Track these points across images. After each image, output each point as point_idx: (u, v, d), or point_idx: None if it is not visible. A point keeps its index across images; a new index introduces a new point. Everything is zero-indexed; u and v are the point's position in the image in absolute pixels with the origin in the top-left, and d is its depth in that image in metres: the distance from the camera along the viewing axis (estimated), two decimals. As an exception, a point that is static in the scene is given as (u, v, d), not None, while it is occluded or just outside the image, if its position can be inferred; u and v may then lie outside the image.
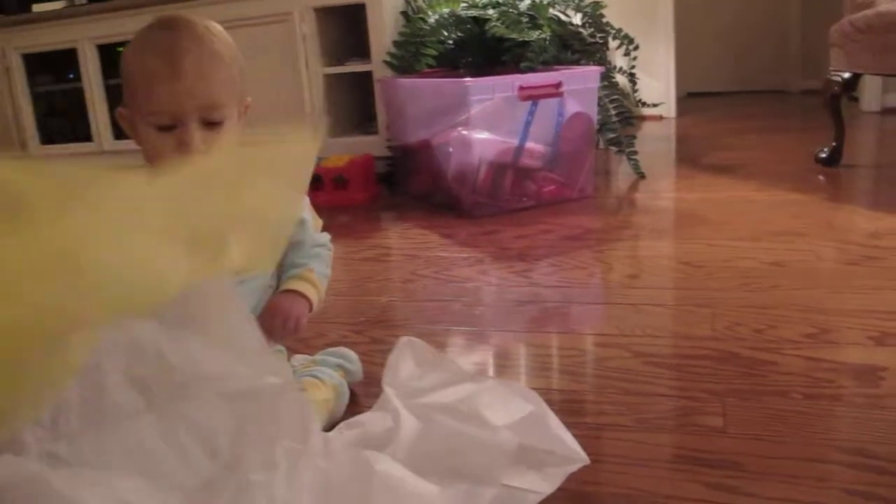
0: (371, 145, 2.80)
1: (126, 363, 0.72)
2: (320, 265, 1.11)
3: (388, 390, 0.93)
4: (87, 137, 3.39)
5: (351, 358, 1.19)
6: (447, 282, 1.67)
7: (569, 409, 1.06)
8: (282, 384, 0.78)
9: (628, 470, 0.92)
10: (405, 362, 0.96)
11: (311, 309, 1.07)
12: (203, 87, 0.95)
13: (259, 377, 0.77)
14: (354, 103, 2.99)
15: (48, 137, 3.55)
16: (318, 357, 1.18)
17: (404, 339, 0.99)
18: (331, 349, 1.21)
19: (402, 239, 2.07)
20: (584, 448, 0.92)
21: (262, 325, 1.01)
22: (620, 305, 1.46)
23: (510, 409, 0.89)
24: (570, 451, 0.90)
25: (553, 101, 2.24)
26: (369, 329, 1.43)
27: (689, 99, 4.93)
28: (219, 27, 1.03)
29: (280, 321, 1.03)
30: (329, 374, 1.11)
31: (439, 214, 2.27)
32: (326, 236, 1.15)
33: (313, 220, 1.12)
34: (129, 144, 2.91)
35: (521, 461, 0.87)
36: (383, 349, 1.32)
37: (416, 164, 2.53)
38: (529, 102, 2.20)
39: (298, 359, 1.21)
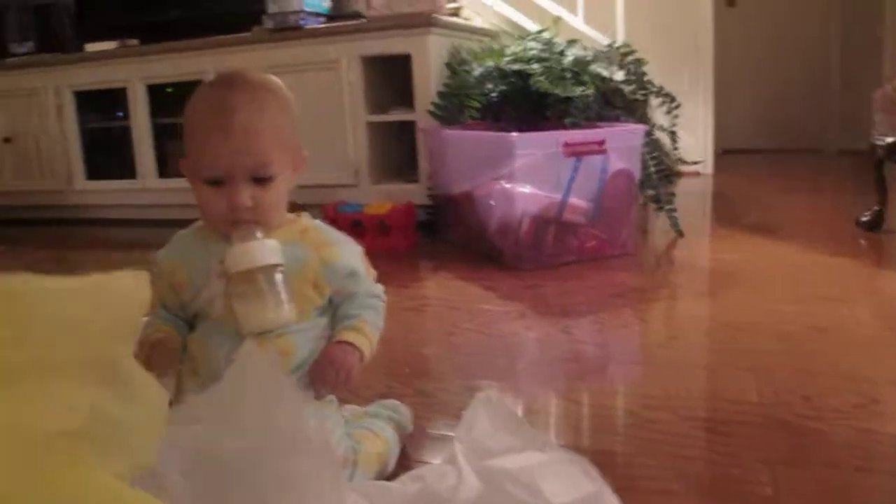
0: (412, 193, 2.83)
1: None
2: (373, 316, 1.10)
3: (458, 446, 0.94)
4: (132, 175, 3.46)
5: (402, 411, 1.20)
6: (490, 336, 1.68)
7: (619, 472, 1.06)
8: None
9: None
10: (480, 419, 0.97)
11: (362, 359, 1.07)
12: (252, 146, 0.98)
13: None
14: (397, 151, 3.03)
15: (94, 173, 3.62)
16: (370, 409, 1.19)
17: (482, 395, 1.00)
18: (382, 401, 1.22)
19: (443, 289, 2.09)
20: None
21: (315, 374, 1.03)
22: (664, 366, 1.46)
23: (571, 485, 0.89)
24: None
25: (597, 158, 2.26)
26: (413, 381, 1.44)
27: (725, 156, 4.95)
28: (277, 82, 1.06)
29: (332, 372, 1.03)
30: (381, 426, 1.12)
31: (480, 265, 2.29)
32: (380, 287, 1.15)
33: (366, 271, 1.12)
34: (171, 183, 2.98)
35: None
36: (428, 402, 1.33)
37: (458, 213, 2.56)
38: (574, 158, 2.22)
39: (349, 409, 1.22)
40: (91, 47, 3.58)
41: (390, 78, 2.98)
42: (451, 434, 1.20)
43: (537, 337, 1.66)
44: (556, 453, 0.97)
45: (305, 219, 1.10)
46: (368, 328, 1.08)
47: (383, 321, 1.13)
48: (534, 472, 0.91)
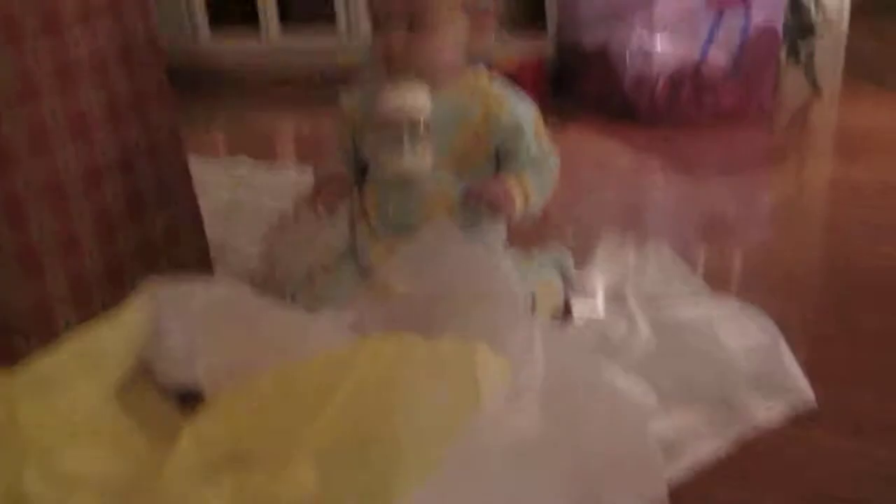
0: (539, 47, 2.79)
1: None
2: (534, 175, 1.07)
3: (630, 294, 0.98)
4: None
5: (567, 261, 1.23)
6: (630, 189, 1.70)
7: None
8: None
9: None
10: (650, 269, 1.00)
11: (513, 203, 1.03)
12: None
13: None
14: (523, 4, 2.97)
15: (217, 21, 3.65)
16: (537, 257, 1.23)
17: (651, 245, 1.03)
18: (546, 249, 1.26)
19: (578, 143, 2.09)
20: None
21: (468, 191, 1.03)
22: (817, 226, 1.47)
23: (746, 335, 0.93)
24: (798, 388, 0.92)
25: (739, 12, 2.17)
26: (567, 231, 1.47)
27: (861, 10, 4.64)
28: None
29: (484, 189, 1.02)
30: (552, 275, 1.17)
31: (613, 121, 2.27)
32: (553, 157, 1.11)
33: (537, 133, 1.08)
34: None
35: (750, 387, 0.91)
36: (581, 252, 1.37)
37: (590, 67, 2.52)
38: (715, 12, 2.14)
39: (514, 255, 1.26)
40: None
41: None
42: (608, 286, 1.25)
43: (678, 194, 1.68)
44: (730, 304, 1.00)
45: (480, 73, 1.08)
46: (527, 181, 1.06)
47: (548, 187, 1.10)
48: (710, 321, 0.95)
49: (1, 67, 0.91)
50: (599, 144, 2.08)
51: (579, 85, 2.63)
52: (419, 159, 1.00)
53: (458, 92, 1.04)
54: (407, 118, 0.98)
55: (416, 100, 0.98)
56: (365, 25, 3.05)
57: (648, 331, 0.95)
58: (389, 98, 0.98)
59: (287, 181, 1.85)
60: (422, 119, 0.98)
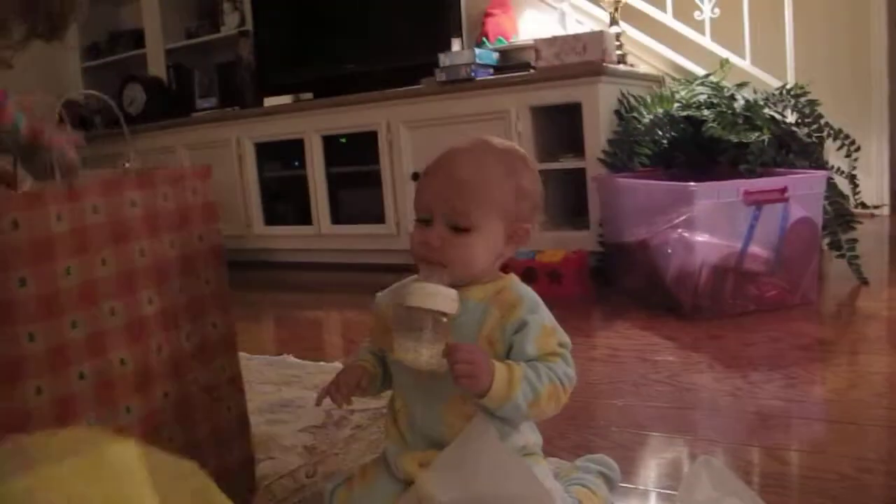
0: (582, 240, 2.86)
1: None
2: (531, 373, 1.00)
3: None
4: (307, 221, 3.65)
5: (612, 466, 1.21)
6: (679, 387, 1.68)
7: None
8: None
9: None
10: (701, 483, 0.97)
11: (490, 379, 0.97)
12: (453, 192, 1.02)
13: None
14: (566, 199, 3.07)
15: (271, 219, 3.85)
16: (580, 463, 1.21)
17: (702, 458, 0.99)
18: (590, 455, 1.24)
19: (624, 339, 2.09)
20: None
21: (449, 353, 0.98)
22: (873, 427, 1.42)
23: None
24: None
25: (778, 206, 2.22)
26: (612, 434, 1.45)
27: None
28: (517, 151, 1.09)
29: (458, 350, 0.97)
30: (596, 483, 1.14)
31: (658, 315, 2.28)
32: (562, 369, 1.03)
33: (542, 336, 1.03)
34: (344, 229, 3.14)
35: None
36: (628, 455, 1.35)
37: (632, 261, 2.56)
38: (753, 207, 2.19)
39: (556, 462, 1.25)
40: (269, 101, 3.82)
41: (559, 125, 3.04)
42: (664, 492, 1.22)
43: (727, 390, 1.65)
44: None
45: (509, 279, 1.09)
46: (517, 368, 1.00)
47: (543, 391, 1.00)
48: None
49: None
50: (644, 339, 2.07)
51: (623, 280, 2.67)
52: (437, 356, 0.98)
53: (484, 296, 1.05)
54: (432, 313, 0.98)
55: (445, 298, 0.98)
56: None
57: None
58: (419, 290, 0.99)
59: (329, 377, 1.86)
60: (446, 317, 0.98)
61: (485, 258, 1.05)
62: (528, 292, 1.08)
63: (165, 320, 1.12)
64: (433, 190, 1.04)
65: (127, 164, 1.42)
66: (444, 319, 0.98)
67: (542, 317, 1.05)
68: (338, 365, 2.00)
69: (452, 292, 0.99)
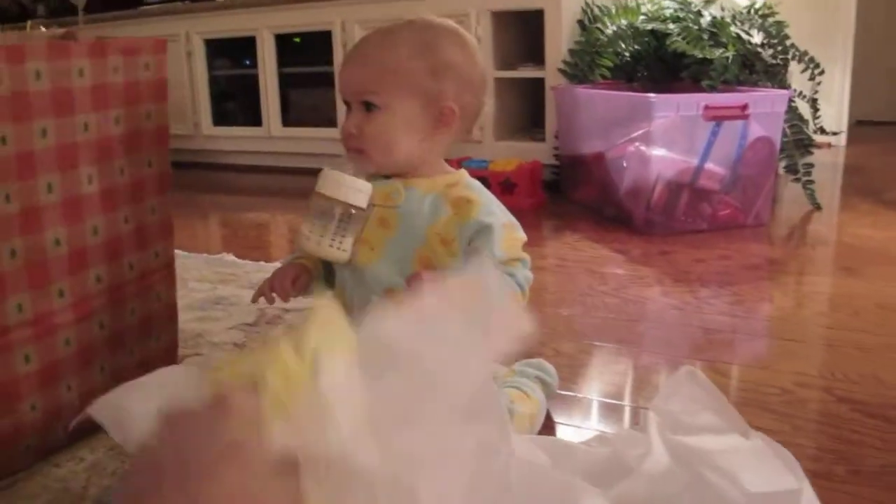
0: (537, 151, 2.79)
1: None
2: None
3: (652, 417, 0.90)
4: (257, 122, 3.53)
5: (549, 371, 1.18)
6: (626, 300, 1.65)
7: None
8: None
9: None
10: (680, 393, 0.93)
11: None
12: (362, 71, 1.00)
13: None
14: (523, 108, 2.99)
15: (220, 119, 3.71)
16: (517, 367, 1.17)
17: (686, 368, 0.95)
18: (528, 360, 1.20)
19: (574, 251, 2.05)
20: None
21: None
22: (814, 345, 1.40)
23: (770, 477, 0.84)
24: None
25: (737, 123, 2.17)
26: (553, 341, 1.42)
27: (858, 127, 4.70)
28: (446, 29, 1.03)
29: (416, 279, 0.94)
30: (531, 387, 1.11)
31: (609, 228, 2.24)
32: (523, 273, 1.02)
33: (508, 240, 1.00)
34: (295, 132, 3.04)
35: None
36: (568, 363, 1.32)
37: (586, 174, 2.51)
38: (713, 123, 2.14)
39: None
40: (221, -6, 3.64)
41: (520, 32, 2.93)
42: (605, 401, 1.19)
43: (674, 305, 1.62)
44: (760, 441, 0.91)
45: (459, 175, 1.05)
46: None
47: (510, 295, 0.97)
48: (731, 457, 0.85)
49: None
50: (594, 251, 2.03)
51: (576, 192, 2.62)
52: (336, 247, 0.99)
53: (432, 190, 1.01)
54: (341, 204, 0.97)
55: (355, 189, 0.97)
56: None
57: (667, 458, 0.87)
58: (332, 178, 0.97)
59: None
60: (355, 209, 0.97)
61: (406, 141, 1.01)
62: (481, 190, 1.04)
63: (104, 201, 1.05)
64: (344, 72, 1.02)
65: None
66: (353, 212, 0.97)
67: (503, 218, 1.02)
68: (275, 265, 1.93)
69: (365, 185, 0.97)
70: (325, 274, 1.09)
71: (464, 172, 1.06)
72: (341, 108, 3.16)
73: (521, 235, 1.04)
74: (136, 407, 0.77)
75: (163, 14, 3.76)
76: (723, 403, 0.90)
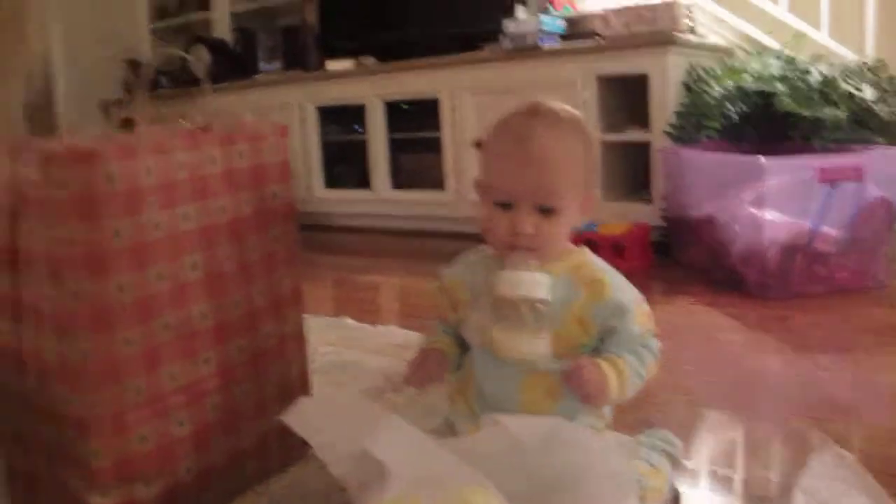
0: (645, 213, 2.81)
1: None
2: (633, 361, 1.03)
3: (800, 497, 0.91)
4: (367, 185, 3.66)
5: (675, 443, 1.18)
6: (745, 369, 1.64)
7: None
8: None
9: None
10: (826, 473, 0.93)
11: (606, 390, 1.00)
12: (542, 175, 1.00)
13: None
14: (629, 170, 3.01)
15: (332, 182, 3.86)
16: (642, 439, 1.19)
17: (831, 447, 0.95)
18: (652, 430, 1.21)
19: (688, 316, 2.06)
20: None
21: (566, 377, 1.00)
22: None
23: None
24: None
25: (852, 185, 2.14)
26: (674, 411, 1.43)
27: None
28: (578, 117, 1.07)
29: (577, 373, 0.99)
30: (659, 460, 1.12)
31: (722, 292, 2.23)
32: (654, 341, 1.08)
33: (640, 316, 1.05)
34: (404, 195, 3.12)
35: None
36: (690, 434, 1.32)
37: (695, 236, 2.51)
38: (827, 184, 2.12)
39: (616, 436, 1.22)
40: (332, 65, 3.81)
41: (625, 95, 2.97)
42: (725, 472, 1.19)
43: (794, 373, 1.61)
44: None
45: (583, 254, 1.09)
46: (624, 366, 1.02)
47: (647, 373, 1.05)
48: None
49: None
50: (708, 317, 2.03)
51: (686, 254, 2.62)
52: (539, 343, 1.00)
53: (564, 273, 1.04)
54: (530, 301, 0.98)
55: (540, 284, 0.98)
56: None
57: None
58: (513, 278, 0.99)
59: (390, 341, 1.89)
60: (543, 303, 0.99)
61: (567, 235, 1.06)
62: (607, 267, 1.08)
63: (241, 276, 1.14)
64: (515, 174, 1.01)
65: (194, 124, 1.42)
66: (541, 307, 0.98)
67: (632, 294, 1.06)
68: (393, 329, 2.01)
69: (546, 278, 0.99)
70: (459, 355, 1.14)
71: (586, 250, 1.10)
72: (449, 172, 3.27)
73: (648, 308, 1.08)
74: (326, 418, 0.90)
75: (277, 83, 3.96)
76: (870, 485, 0.90)
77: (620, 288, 1.05)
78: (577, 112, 1.08)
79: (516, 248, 1.02)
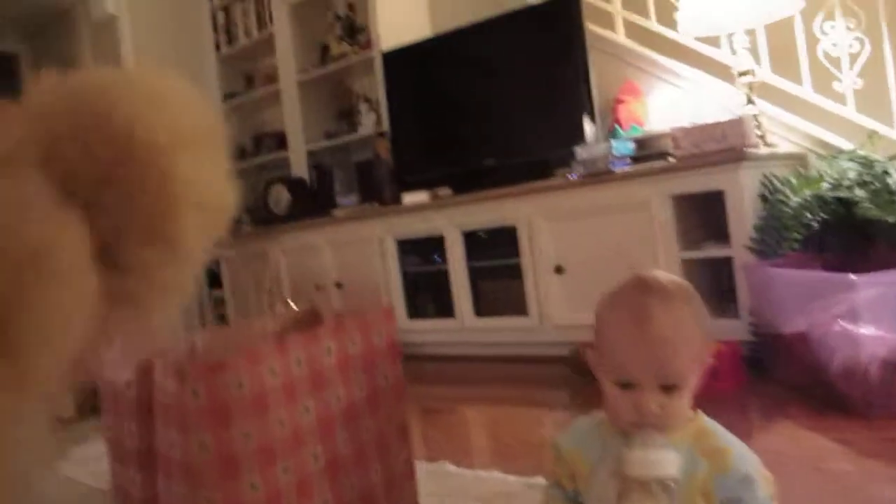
0: (732, 329, 2.78)
1: None
2: None
3: None
4: (450, 314, 3.71)
5: None
6: (859, 501, 1.59)
7: None
8: None
9: None
10: None
11: None
12: (665, 357, 1.01)
13: None
14: (711, 286, 3.00)
15: (414, 312, 3.93)
16: None
17: None
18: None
19: (791, 443, 2.01)
20: None
21: None
22: None
23: None
24: None
25: (951, 292, 2.10)
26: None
27: None
28: (688, 289, 1.09)
29: None
30: None
31: (824, 413, 2.17)
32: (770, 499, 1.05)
33: (762, 478, 1.05)
34: (486, 322, 3.15)
35: None
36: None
37: (789, 353, 2.47)
38: (924, 293, 2.08)
39: None
40: (408, 197, 3.94)
41: (701, 213, 2.99)
42: None
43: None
44: None
45: (701, 419, 1.09)
46: None
47: None
48: None
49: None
50: (813, 442, 1.98)
51: (781, 371, 2.57)
52: None
53: (686, 443, 1.05)
54: (661, 481, 0.99)
55: (670, 463, 0.99)
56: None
57: None
58: (644, 459, 1.00)
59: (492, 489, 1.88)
60: (673, 481, 0.99)
61: (689, 405, 1.07)
62: (725, 433, 1.08)
63: (357, 459, 1.19)
64: (636, 357, 1.03)
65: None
66: (673, 485, 0.99)
67: (754, 461, 1.06)
68: (495, 474, 2.01)
69: (675, 455, 1.00)
70: None
71: (702, 415, 1.10)
72: (531, 298, 3.31)
73: (768, 472, 1.07)
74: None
75: (355, 218, 4.11)
76: None
77: (743, 457, 1.05)
78: (682, 281, 1.10)
79: (641, 426, 1.03)
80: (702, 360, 1.06)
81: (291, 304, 1.37)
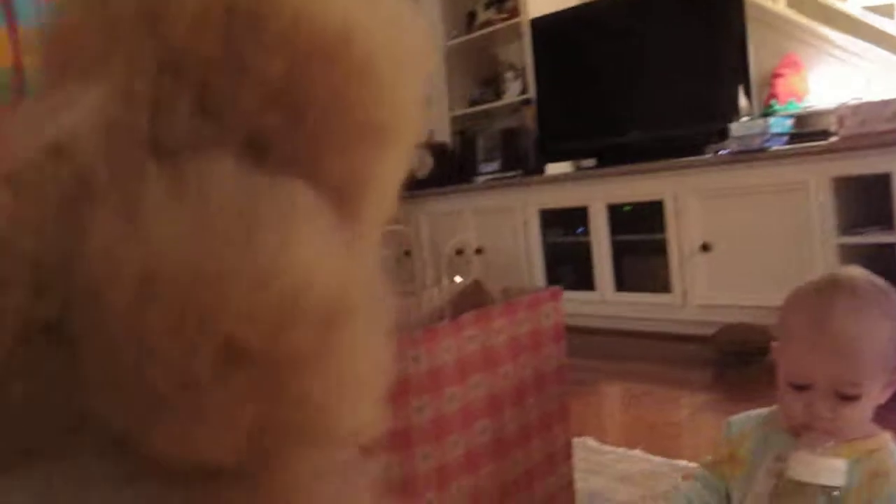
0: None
1: None
2: None
3: None
4: (590, 287, 3.71)
5: None
6: None
7: None
8: None
9: None
10: None
11: None
12: (842, 363, 0.96)
13: None
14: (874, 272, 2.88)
15: (554, 283, 3.94)
16: None
17: None
18: None
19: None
20: None
21: None
22: None
23: None
24: None
25: None
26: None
27: None
28: (884, 291, 1.02)
29: None
30: None
31: None
32: None
33: None
34: (628, 297, 3.13)
35: None
36: None
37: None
38: None
39: None
40: (551, 167, 3.94)
41: (863, 196, 2.86)
42: None
43: None
44: None
45: (882, 440, 1.03)
46: None
47: None
48: None
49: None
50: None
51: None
52: None
53: (855, 457, 1.00)
54: (827, 489, 0.96)
55: (835, 472, 0.96)
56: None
57: None
58: (809, 462, 0.97)
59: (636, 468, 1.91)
60: (836, 490, 0.96)
61: (869, 416, 1.02)
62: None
63: (521, 437, 1.24)
64: (812, 359, 0.99)
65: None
66: (836, 493, 0.96)
67: None
68: (638, 454, 2.02)
69: (843, 464, 0.96)
70: None
71: (888, 437, 1.05)
72: (675, 275, 3.26)
73: None
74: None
75: (497, 187, 4.14)
76: None
77: None
78: (884, 284, 1.04)
79: (810, 428, 1.00)
80: (889, 371, 1.00)
81: (457, 277, 1.41)
